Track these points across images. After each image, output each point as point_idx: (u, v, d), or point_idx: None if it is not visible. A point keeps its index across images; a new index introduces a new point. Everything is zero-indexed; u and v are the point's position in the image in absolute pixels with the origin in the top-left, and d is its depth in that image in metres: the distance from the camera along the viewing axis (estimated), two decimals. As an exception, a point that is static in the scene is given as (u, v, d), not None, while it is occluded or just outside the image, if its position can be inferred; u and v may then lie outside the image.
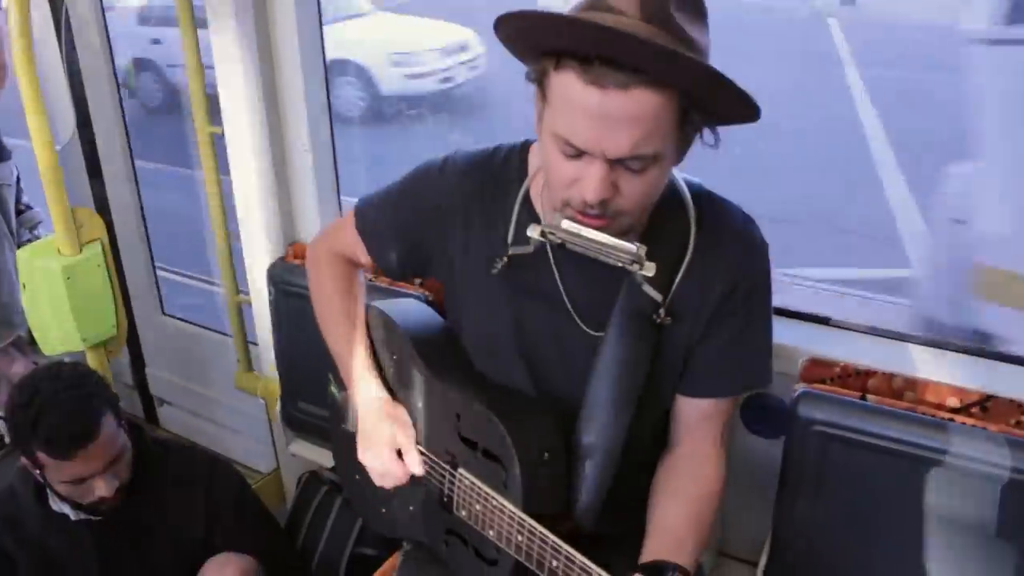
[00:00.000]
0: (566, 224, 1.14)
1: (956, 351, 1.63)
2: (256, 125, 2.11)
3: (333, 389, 1.61)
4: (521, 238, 1.25)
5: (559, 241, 1.16)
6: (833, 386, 1.60)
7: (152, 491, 1.85)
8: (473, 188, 1.33)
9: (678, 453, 1.35)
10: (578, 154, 1.09)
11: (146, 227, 2.78)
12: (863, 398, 1.55)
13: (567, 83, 1.06)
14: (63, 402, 1.68)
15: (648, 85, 1.02)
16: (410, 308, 1.56)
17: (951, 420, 1.48)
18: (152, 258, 2.83)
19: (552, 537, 1.16)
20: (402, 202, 1.41)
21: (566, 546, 1.14)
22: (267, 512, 2.06)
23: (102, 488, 1.72)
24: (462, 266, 1.35)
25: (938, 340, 1.66)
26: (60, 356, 1.98)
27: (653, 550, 1.21)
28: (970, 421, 1.48)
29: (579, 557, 1.12)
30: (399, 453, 1.37)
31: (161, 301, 2.87)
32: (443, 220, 1.35)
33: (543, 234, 1.18)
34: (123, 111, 2.64)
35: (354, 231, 1.46)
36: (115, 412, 1.77)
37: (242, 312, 2.44)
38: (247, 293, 2.37)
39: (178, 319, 2.87)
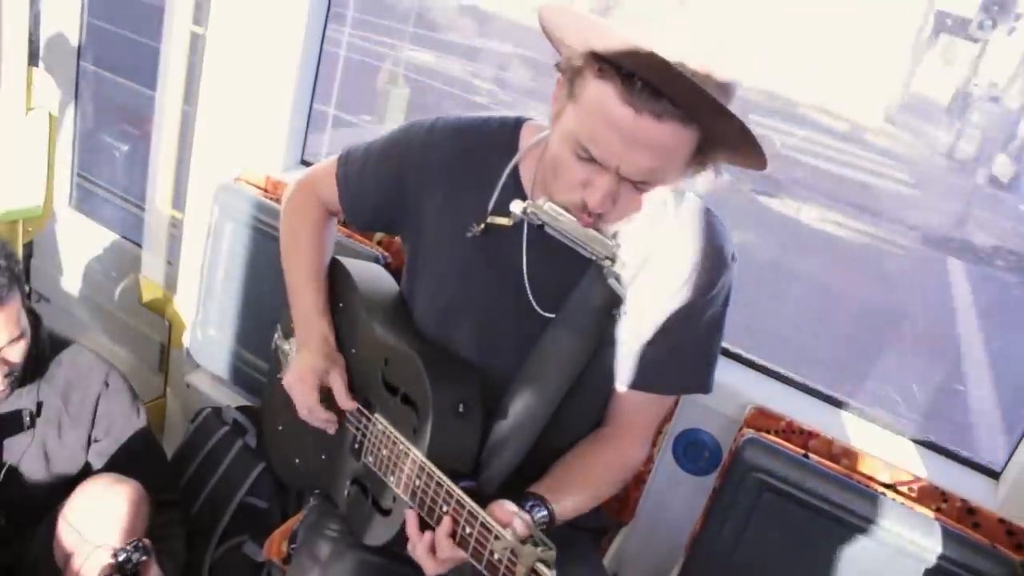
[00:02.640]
0: (549, 207, 1.16)
1: (894, 432, 1.71)
2: (244, 31, 1.98)
3: (278, 339, 1.57)
4: (502, 209, 1.25)
5: (540, 222, 1.17)
6: (777, 439, 1.64)
7: (38, 387, 1.69)
8: (460, 151, 1.33)
9: (603, 432, 1.39)
10: (591, 159, 1.10)
11: (77, 100, 2.55)
12: (806, 455, 1.59)
13: (604, 94, 1.06)
14: None
15: (681, 121, 1.05)
16: (369, 268, 1.57)
17: (882, 494, 1.55)
18: (74, 144, 2.60)
19: (447, 481, 1.16)
20: (386, 156, 1.41)
21: (458, 490, 1.14)
22: (155, 437, 1.92)
23: None
24: (435, 226, 1.35)
25: (877, 418, 1.73)
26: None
27: (535, 486, 1.23)
28: (899, 499, 1.55)
29: (469, 502, 1.12)
30: (329, 392, 1.37)
31: (72, 192, 2.65)
32: (424, 178, 1.35)
33: (525, 211, 1.18)
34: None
35: (333, 178, 1.46)
36: (23, 292, 1.61)
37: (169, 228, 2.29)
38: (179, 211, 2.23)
39: (84, 214, 2.65)
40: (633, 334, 1.30)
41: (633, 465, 1.39)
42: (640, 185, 1.12)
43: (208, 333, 2.16)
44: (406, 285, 1.44)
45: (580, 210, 1.14)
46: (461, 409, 1.24)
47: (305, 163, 2.22)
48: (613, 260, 1.17)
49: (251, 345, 2.11)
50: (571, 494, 1.25)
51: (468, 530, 1.11)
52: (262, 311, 2.01)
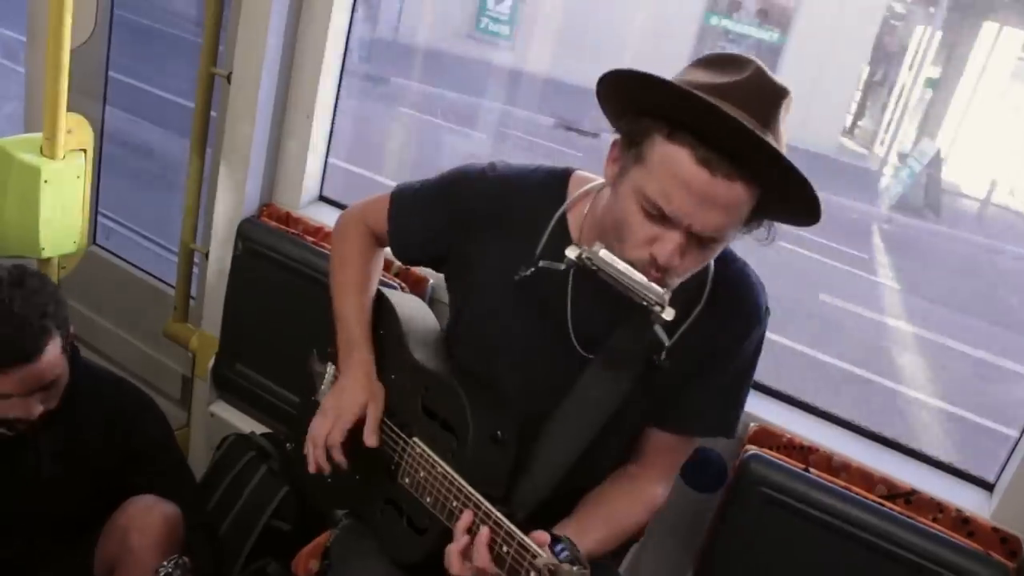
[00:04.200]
0: (603, 253, 1.21)
1: (889, 446, 1.79)
2: (268, 76, 2.09)
3: (314, 361, 1.63)
4: (551, 254, 1.31)
5: (594, 268, 1.22)
6: (779, 454, 1.72)
7: (75, 418, 1.77)
8: (510, 197, 1.40)
9: (629, 470, 1.45)
10: (663, 219, 1.16)
11: (101, 147, 2.66)
12: (807, 470, 1.67)
13: (677, 156, 1.12)
14: (14, 314, 1.58)
15: (750, 181, 1.12)
16: (410, 300, 1.65)
17: (881, 505, 1.63)
18: (98, 183, 2.70)
19: (485, 502, 1.22)
20: (437, 197, 1.47)
21: (495, 511, 1.20)
22: (186, 463, 2.01)
23: (26, 409, 1.63)
24: (482, 268, 1.41)
25: (874, 432, 1.82)
26: (11, 259, 1.87)
27: (559, 526, 1.29)
28: (896, 509, 1.63)
29: (506, 522, 1.17)
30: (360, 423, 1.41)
31: (95, 229, 2.74)
32: (473, 221, 1.41)
33: (580, 256, 1.23)
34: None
35: (386, 214, 1.52)
36: (64, 336, 1.67)
37: (192, 261, 2.38)
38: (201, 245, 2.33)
39: (109, 252, 2.75)
40: (669, 380, 1.36)
41: (656, 505, 1.45)
42: (707, 241, 1.18)
43: (232, 364, 2.25)
44: (451, 320, 1.51)
45: (648, 266, 1.18)
46: (499, 435, 1.30)
47: (324, 199, 2.32)
48: (663, 307, 1.20)
49: (273, 374, 2.19)
50: (596, 534, 1.33)
51: (505, 548, 1.16)
52: (284, 342, 2.08)
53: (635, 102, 1.17)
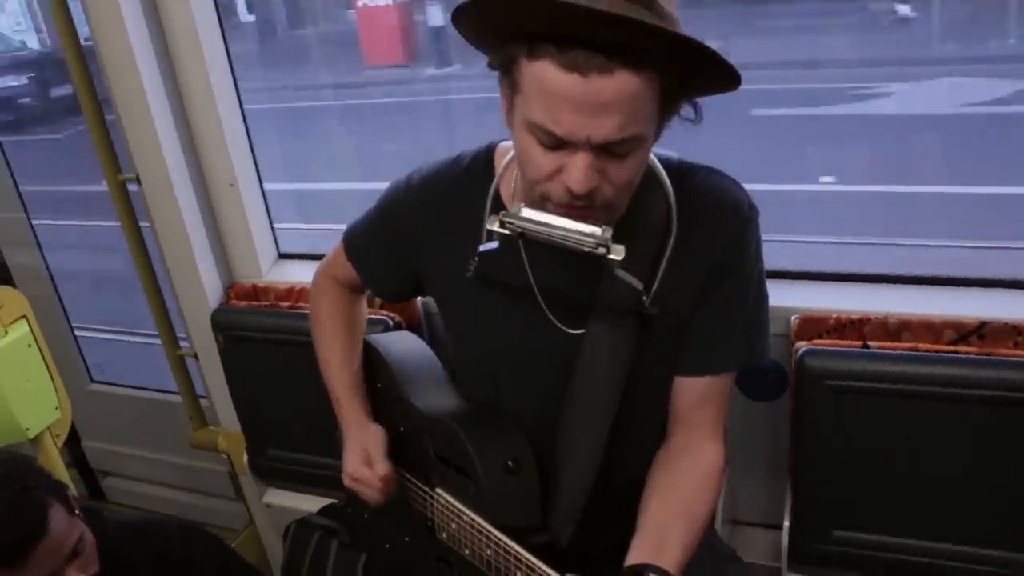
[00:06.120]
0: (525, 211, 1.07)
1: (942, 284, 1.65)
2: (175, 166, 1.97)
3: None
4: (491, 237, 1.17)
5: (519, 231, 1.08)
6: (830, 339, 1.60)
7: (123, 572, 1.69)
8: (439, 198, 1.27)
9: (672, 444, 1.27)
10: (559, 144, 1.02)
11: (57, 291, 2.58)
12: (865, 346, 1.55)
13: (544, 71, 0.98)
14: (4, 501, 1.48)
15: (631, 66, 0.97)
16: (399, 339, 1.56)
17: (954, 352, 1.50)
18: (71, 324, 2.62)
19: (515, 547, 1.13)
20: (380, 224, 1.37)
21: (527, 554, 1.11)
22: (255, 571, 1.93)
23: None
24: (441, 276, 1.31)
25: (922, 276, 1.67)
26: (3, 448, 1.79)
27: (636, 551, 1.13)
28: (971, 350, 1.50)
29: (540, 566, 1.08)
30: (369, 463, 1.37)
31: (88, 369, 2.67)
32: (417, 235, 1.30)
33: (502, 224, 1.09)
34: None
35: (345, 260, 1.43)
36: (63, 501, 1.58)
37: (186, 366, 2.29)
38: (187, 345, 2.23)
39: (109, 384, 2.68)
40: (677, 326, 1.21)
41: (716, 470, 1.24)
42: (618, 148, 1.02)
43: (264, 451, 2.17)
44: (450, 346, 1.41)
45: (568, 201, 1.04)
46: (511, 465, 1.20)
47: (284, 256, 2.20)
48: (608, 247, 1.05)
49: (306, 446, 2.11)
50: (675, 541, 1.13)
51: None
52: (303, 411, 2.00)
53: (494, 32, 1.03)
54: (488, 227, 1.11)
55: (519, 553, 1.12)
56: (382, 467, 1.35)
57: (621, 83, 0.97)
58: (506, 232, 1.09)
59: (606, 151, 1.01)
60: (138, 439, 2.67)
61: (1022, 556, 1.52)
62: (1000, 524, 1.52)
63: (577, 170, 1.01)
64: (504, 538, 1.15)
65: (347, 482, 1.41)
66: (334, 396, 1.46)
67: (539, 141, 1.03)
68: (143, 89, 1.90)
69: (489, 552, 1.18)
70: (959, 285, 1.65)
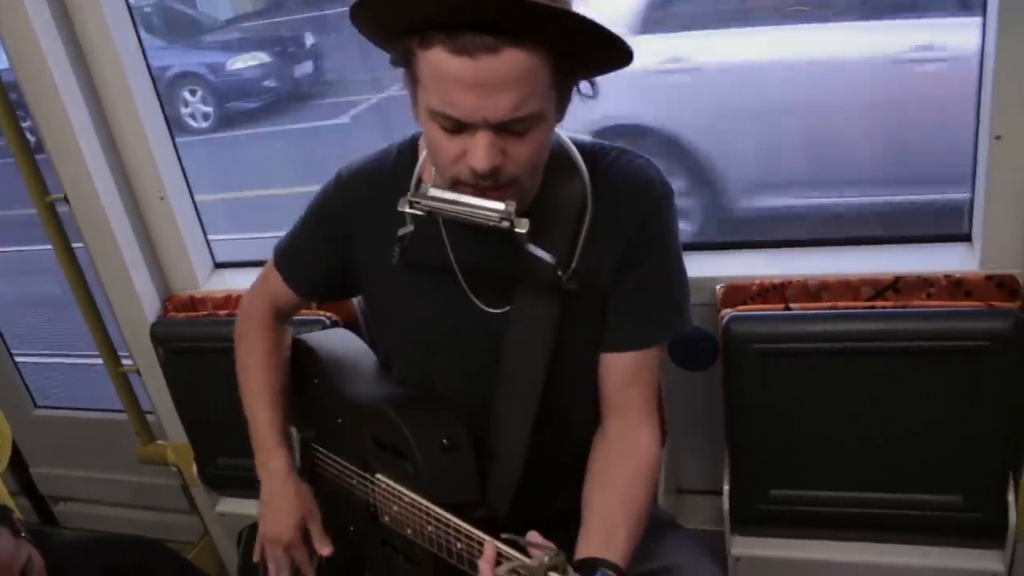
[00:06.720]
0: (432, 191, 1.11)
1: (858, 244, 1.71)
2: (103, 183, 1.96)
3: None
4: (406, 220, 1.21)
5: (426, 210, 1.12)
6: (754, 304, 1.65)
7: None
8: (367, 192, 1.30)
9: (608, 430, 1.29)
10: (459, 127, 1.06)
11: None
12: (787, 309, 1.60)
13: (436, 58, 1.02)
14: None
15: (517, 44, 1.00)
16: (333, 335, 1.59)
17: (871, 307, 1.56)
18: (10, 351, 2.59)
19: (454, 520, 1.16)
20: (311, 227, 1.39)
21: (466, 525, 1.14)
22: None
23: None
24: (371, 269, 1.33)
25: (839, 237, 1.73)
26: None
27: (585, 544, 1.17)
28: (888, 304, 1.56)
29: (478, 533, 1.12)
30: (306, 533, 1.41)
31: (31, 395, 2.63)
32: (348, 232, 1.33)
33: (411, 204, 1.13)
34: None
35: (274, 270, 1.44)
36: (8, 524, 1.56)
37: (129, 383, 2.27)
38: (129, 362, 2.22)
39: (54, 408, 2.65)
40: (598, 302, 1.25)
41: (652, 458, 1.25)
42: (516, 127, 1.05)
43: (213, 461, 2.16)
44: (376, 332, 1.44)
45: (475, 182, 1.08)
46: (446, 444, 1.22)
47: (220, 265, 2.20)
48: (512, 221, 1.07)
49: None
50: (620, 534, 1.15)
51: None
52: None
53: (388, 27, 1.07)
54: (399, 209, 1.14)
55: (459, 525, 1.15)
56: (327, 549, 1.39)
57: (510, 61, 1.00)
58: (417, 212, 1.13)
59: (506, 130, 1.05)
60: (88, 461, 2.64)
61: (951, 497, 1.59)
62: (927, 468, 1.58)
63: (479, 148, 1.05)
64: (444, 512, 1.17)
65: (269, 548, 1.43)
66: (256, 433, 1.46)
67: (442, 127, 1.07)
68: (65, 109, 1.89)
69: (430, 528, 1.20)
70: (874, 243, 1.71)
